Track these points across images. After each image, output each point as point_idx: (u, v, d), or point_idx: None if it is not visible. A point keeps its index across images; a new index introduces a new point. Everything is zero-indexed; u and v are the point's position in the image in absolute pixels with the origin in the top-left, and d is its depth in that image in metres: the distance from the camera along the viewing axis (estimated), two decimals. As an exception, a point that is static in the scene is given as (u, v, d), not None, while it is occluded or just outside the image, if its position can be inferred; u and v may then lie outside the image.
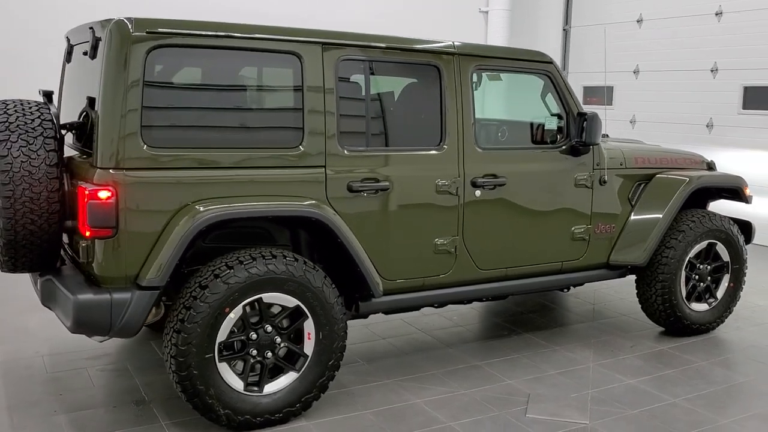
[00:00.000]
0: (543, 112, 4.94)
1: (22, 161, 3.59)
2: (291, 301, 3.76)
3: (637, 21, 10.53)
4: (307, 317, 3.81)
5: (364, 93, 4.13)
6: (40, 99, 4.02)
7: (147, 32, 3.49)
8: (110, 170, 3.44)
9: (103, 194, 3.37)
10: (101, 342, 3.89)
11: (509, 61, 4.63)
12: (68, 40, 4.39)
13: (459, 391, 4.38)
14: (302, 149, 3.87)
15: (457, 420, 3.99)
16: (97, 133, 3.48)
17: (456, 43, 4.39)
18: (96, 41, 3.63)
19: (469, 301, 4.93)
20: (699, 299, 5.46)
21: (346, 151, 3.99)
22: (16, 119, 3.68)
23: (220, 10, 8.07)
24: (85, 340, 4.96)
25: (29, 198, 3.60)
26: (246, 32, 3.73)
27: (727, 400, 4.40)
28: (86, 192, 3.37)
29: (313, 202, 3.83)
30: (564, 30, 11.89)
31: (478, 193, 4.43)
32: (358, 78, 4.11)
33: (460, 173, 4.35)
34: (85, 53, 3.88)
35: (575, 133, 4.78)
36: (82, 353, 4.85)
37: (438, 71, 4.30)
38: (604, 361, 4.97)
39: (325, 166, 3.93)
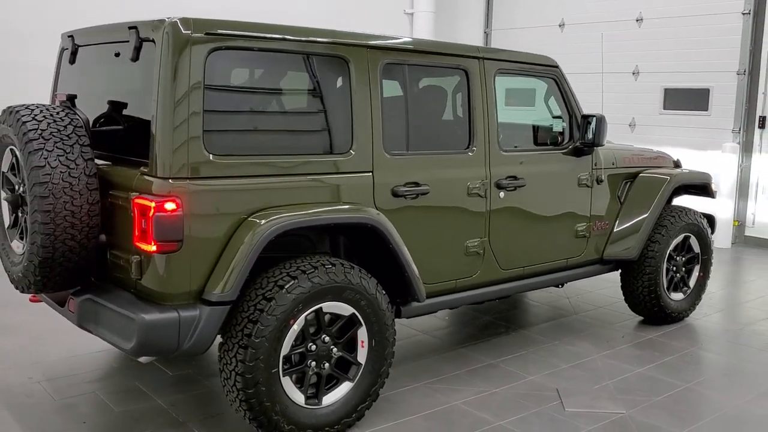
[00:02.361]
0: (544, 114, 5.10)
1: (61, 172, 3.31)
2: (347, 310, 3.68)
3: (560, 25, 11.01)
4: (361, 325, 3.74)
5: (403, 96, 4.10)
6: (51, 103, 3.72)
7: (206, 33, 3.30)
8: (170, 180, 3.23)
9: (170, 206, 3.17)
10: (145, 363, 3.65)
11: (523, 65, 4.75)
12: (72, 40, 4.07)
13: (490, 390, 4.44)
14: (353, 153, 3.80)
15: (503, 419, 4.05)
16: (155, 140, 3.25)
17: (480, 47, 4.45)
18: (140, 42, 3.40)
19: (482, 302, 5.01)
20: (675, 289, 5.82)
21: (389, 156, 3.96)
22: (47, 126, 3.39)
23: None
24: (76, 362, 4.70)
25: (70, 212, 3.33)
26: (299, 35, 3.62)
27: (731, 382, 4.71)
28: (152, 204, 3.15)
29: (371, 208, 3.78)
30: (485, 33, 12.24)
31: (502, 194, 4.51)
32: (398, 81, 4.08)
33: (486, 175, 4.42)
34: (117, 54, 3.63)
35: (579, 134, 4.97)
36: (80, 376, 4.51)
37: (466, 75, 4.34)
38: (605, 352, 5.19)
39: (372, 171, 3.88)
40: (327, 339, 3.65)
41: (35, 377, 4.47)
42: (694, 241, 5.85)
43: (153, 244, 3.17)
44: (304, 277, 3.48)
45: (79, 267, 3.48)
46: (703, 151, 9.34)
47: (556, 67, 4.93)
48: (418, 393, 4.37)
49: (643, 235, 5.40)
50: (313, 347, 3.61)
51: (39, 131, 3.34)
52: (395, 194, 3.97)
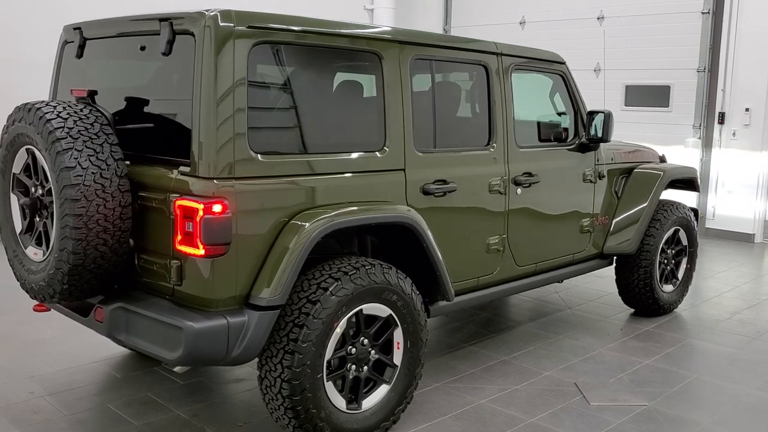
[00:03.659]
0: (548, 110, 5.12)
1: (92, 173, 3.11)
2: (385, 311, 3.60)
3: (520, 23, 11.15)
4: (397, 326, 3.67)
5: (429, 92, 4.04)
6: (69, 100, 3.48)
7: (248, 27, 3.16)
8: (215, 180, 3.07)
9: (217, 208, 3.01)
10: (181, 372, 3.48)
11: (534, 61, 4.75)
12: (80, 32, 3.83)
13: (511, 388, 4.43)
14: (386, 151, 3.72)
15: (534, 416, 4.05)
16: (197, 139, 3.08)
17: (497, 43, 4.43)
18: (173, 35, 3.22)
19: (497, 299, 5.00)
20: (666, 281, 5.96)
21: (419, 153, 3.89)
22: (74, 123, 3.18)
23: None
24: (75, 373, 4.48)
25: (103, 215, 3.14)
26: (339, 29, 3.53)
27: (737, 371, 4.83)
28: (201, 206, 2.98)
29: (407, 207, 3.70)
30: (444, 30, 12.27)
31: (519, 191, 4.51)
32: (424, 77, 4.02)
33: (505, 172, 4.40)
34: (142, 48, 3.44)
35: (585, 130, 5.02)
36: (84, 389, 4.28)
37: (486, 71, 4.31)
38: (610, 345, 5.27)
39: (404, 169, 3.80)
40: (365, 341, 3.56)
41: (36, 392, 4.21)
42: (682, 234, 6.00)
43: (201, 247, 3.01)
44: (346, 278, 3.37)
45: (108, 274, 3.29)
46: (665, 146, 9.56)
47: (564, 63, 4.97)
48: (442, 393, 4.32)
49: (641, 229, 5.50)
50: (353, 350, 3.51)
51: (66, 129, 3.13)
52: (425, 192, 3.91)
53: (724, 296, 6.72)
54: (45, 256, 3.34)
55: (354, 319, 3.48)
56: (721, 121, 9.27)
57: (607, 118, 4.90)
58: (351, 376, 3.53)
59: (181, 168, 3.16)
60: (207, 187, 3.05)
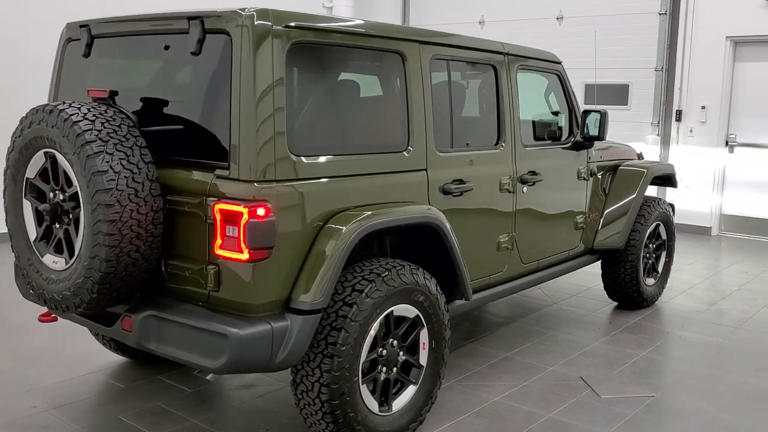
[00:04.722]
0: (544, 109, 5.21)
1: (125, 177, 3.01)
2: (412, 312, 3.59)
3: (480, 23, 11.27)
4: (423, 327, 3.67)
5: (446, 93, 4.04)
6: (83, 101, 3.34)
7: (285, 26, 3.10)
8: (255, 183, 3.01)
9: (261, 211, 2.94)
10: (212, 380, 3.38)
11: (535, 61, 4.82)
12: (88, 30, 3.68)
13: (521, 384, 4.48)
14: (411, 150, 3.71)
15: (551, 411, 4.11)
16: (236, 141, 3.01)
17: (504, 43, 4.47)
18: (203, 34, 3.13)
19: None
20: (648, 275, 6.14)
21: (439, 153, 3.90)
22: (102, 126, 3.06)
23: None
24: (75, 385, 4.35)
25: (136, 221, 3.03)
26: (370, 30, 3.51)
27: (728, 360, 5.01)
28: (245, 210, 2.91)
29: (428, 206, 3.71)
30: (402, 28, 12.29)
31: (524, 189, 4.57)
32: (440, 77, 4.02)
33: (513, 171, 4.46)
34: (166, 47, 3.33)
35: (579, 129, 5.13)
36: (89, 400, 4.14)
37: (495, 71, 4.35)
38: (602, 339, 5.39)
39: (426, 169, 3.81)
40: (395, 343, 3.55)
41: (39, 405, 4.03)
42: (662, 229, 6.20)
43: (246, 252, 2.93)
44: (380, 280, 3.35)
45: (138, 281, 3.18)
46: (626, 143, 9.87)
47: (560, 63, 5.06)
48: (456, 391, 4.34)
49: (629, 224, 5.65)
50: (384, 352, 3.50)
51: (95, 132, 3.01)
52: (445, 192, 3.92)
53: (697, 288, 6.97)
54: (69, 265, 3.20)
55: (384, 321, 3.47)
56: (679, 119, 9.60)
57: (603, 117, 5.02)
58: (382, 378, 3.52)
59: (218, 171, 3.07)
60: (248, 190, 2.98)
